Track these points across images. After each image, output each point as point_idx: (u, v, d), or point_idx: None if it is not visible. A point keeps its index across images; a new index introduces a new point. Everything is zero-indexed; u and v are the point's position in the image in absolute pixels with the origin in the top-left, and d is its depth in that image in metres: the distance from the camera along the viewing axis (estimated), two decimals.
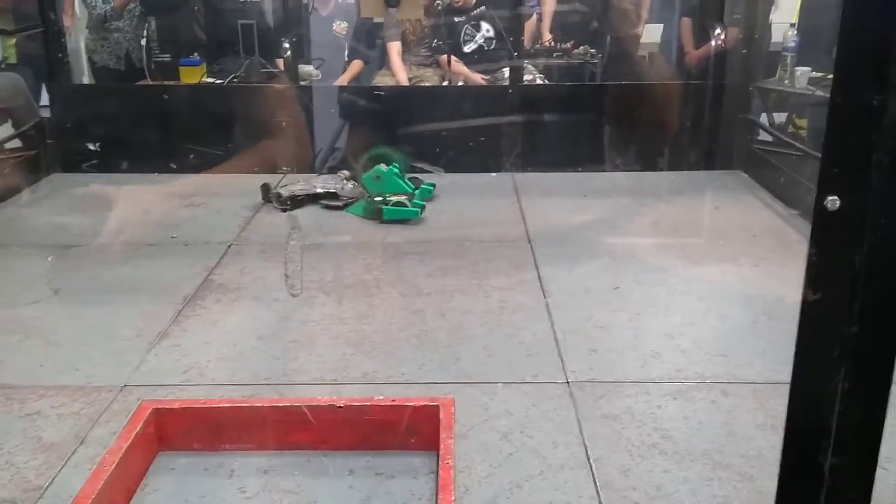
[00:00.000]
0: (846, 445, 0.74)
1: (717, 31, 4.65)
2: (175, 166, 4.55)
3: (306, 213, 3.88)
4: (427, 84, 5.00)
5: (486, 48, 5.04)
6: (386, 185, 3.78)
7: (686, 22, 5.27)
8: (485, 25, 5.02)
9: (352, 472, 1.95)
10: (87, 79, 5.38)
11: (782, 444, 0.76)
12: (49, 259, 3.28)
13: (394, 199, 3.73)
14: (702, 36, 5.05)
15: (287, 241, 2.83)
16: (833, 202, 0.67)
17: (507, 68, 4.79)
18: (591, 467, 1.94)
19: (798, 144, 4.16)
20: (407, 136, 4.54)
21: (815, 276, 0.70)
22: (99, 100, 4.78)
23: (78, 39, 5.50)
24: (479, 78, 5.01)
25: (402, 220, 3.70)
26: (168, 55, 5.00)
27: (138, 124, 4.59)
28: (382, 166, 3.82)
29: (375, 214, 3.73)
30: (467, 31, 5.03)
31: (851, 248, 0.69)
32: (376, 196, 3.76)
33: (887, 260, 0.69)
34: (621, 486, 1.88)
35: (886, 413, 0.74)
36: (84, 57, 5.36)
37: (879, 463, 2.01)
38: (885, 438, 2.10)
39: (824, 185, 0.67)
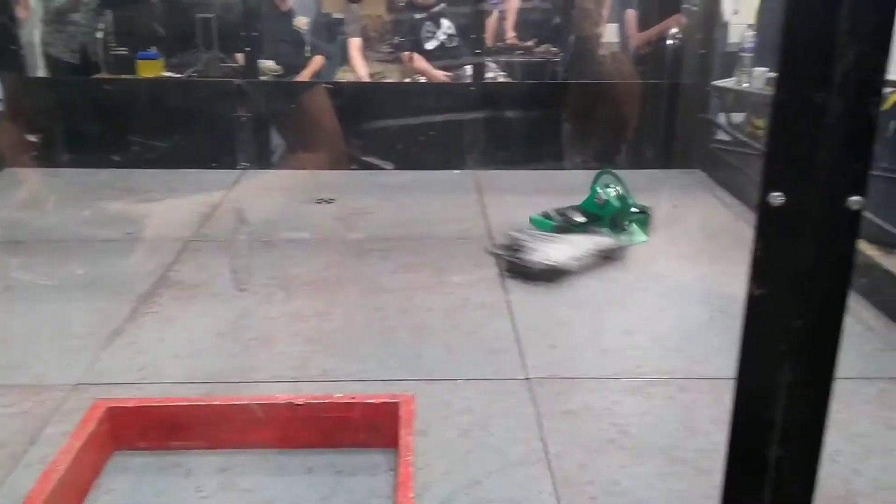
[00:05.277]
0: (791, 438, 0.75)
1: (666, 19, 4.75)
2: (131, 161, 4.48)
3: (267, 206, 3.85)
4: (389, 80, 4.99)
5: (447, 45, 5.04)
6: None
7: (630, 13, 5.36)
8: (445, 23, 5.02)
9: (310, 471, 1.93)
10: (41, 72, 5.26)
11: (728, 438, 0.77)
12: None
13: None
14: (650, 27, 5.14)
15: (234, 236, 2.79)
16: (777, 198, 0.69)
17: (470, 65, 4.79)
18: (549, 463, 1.95)
19: (755, 144, 4.24)
20: (368, 132, 4.53)
21: (760, 271, 0.71)
22: (52, 93, 4.69)
23: (32, 32, 5.39)
24: (441, 75, 5.00)
25: None
26: (125, 48, 4.91)
27: (93, 118, 4.51)
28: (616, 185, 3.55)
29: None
30: (428, 29, 5.02)
31: (795, 243, 0.70)
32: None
33: (830, 255, 0.71)
34: (579, 480, 1.89)
35: (830, 406, 0.76)
36: (39, 50, 5.24)
37: (830, 455, 2.06)
38: (835, 432, 2.14)
39: (768, 181, 0.68)
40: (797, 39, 0.65)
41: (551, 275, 3.03)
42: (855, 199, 0.69)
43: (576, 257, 3.10)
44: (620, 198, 3.46)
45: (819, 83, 0.66)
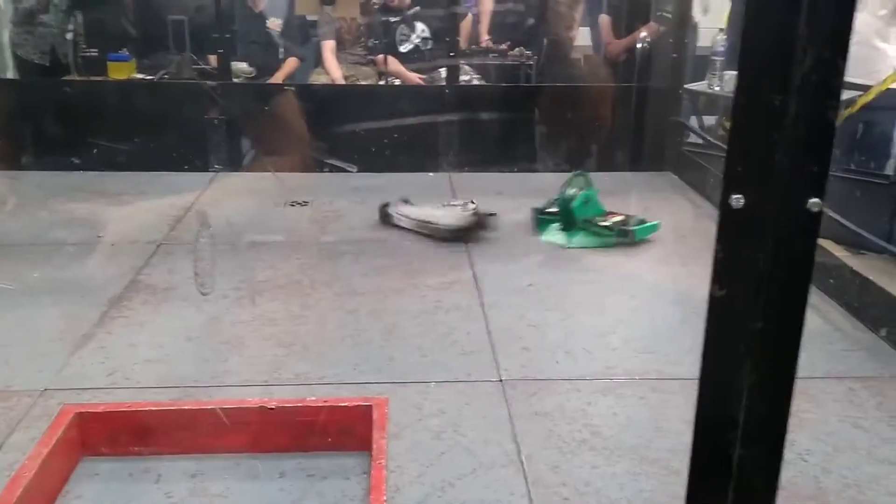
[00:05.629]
0: (753, 437, 0.76)
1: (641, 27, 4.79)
2: (102, 163, 4.44)
3: (240, 209, 3.83)
4: (363, 83, 4.98)
5: (421, 48, 5.05)
6: (592, 209, 3.58)
7: (604, 18, 5.39)
8: (420, 25, 5.02)
9: (283, 475, 1.92)
10: (10, 73, 5.20)
11: (692, 437, 0.78)
12: None
13: (611, 220, 3.54)
14: (625, 34, 5.18)
15: (196, 239, 2.78)
16: (737, 200, 0.70)
17: (444, 68, 4.80)
18: (522, 464, 1.96)
19: (726, 147, 4.27)
20: (342, 135, 4.52)
21: (721, 272, 0.72)
22: (21, 95, 4.64)
23: (1, 33, 5.32)
24: (415, 77, 5.00)
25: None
26: (96, 50, 4.86)
27: (63, 120, 4.46)
28: (590, 190, 3.60)
29: (624, 237, 3.47)
30: (402, 31, 5.02)
31: (755, 245, 0.71)
32: (592, 220, 3.52)
33: (790, 256, 0.72)
34: (551, 482, 1.90)
35: (791, 405, 0.77)
36: (8, 51, 5.17)
37: (800, 455, 2.08)
38: (804, 431, 2.16)
39: (729, 183, 0.69)
40: (757, 43, 0.66)
41: (384, 218, 3.67)
42: (814, 202, 0.70)
43: (411, 218, 3.62)
44: (565, 199, 3.55)
45: (778, 87, 0.66)
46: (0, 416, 2.11)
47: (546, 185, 4.34)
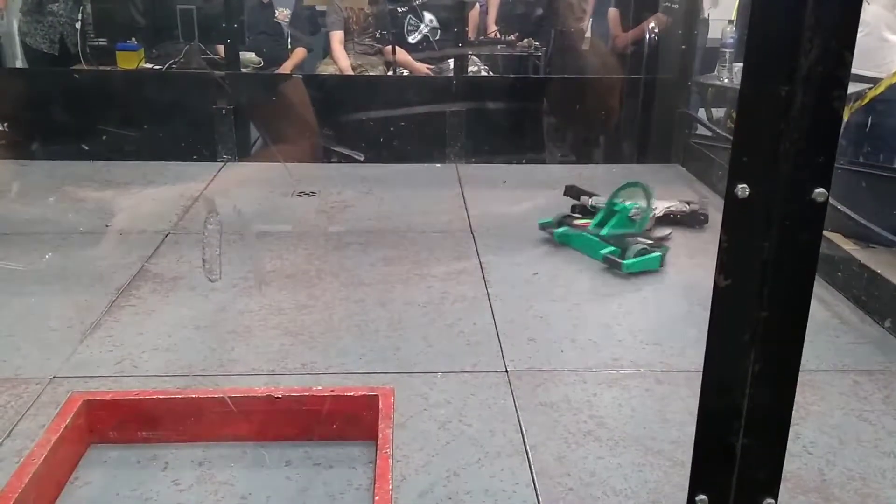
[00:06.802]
0: (756, 427, 0.76)
1: (648, 18, 4.78)
2: (110, 153, 4.44)
3: (248, 199, 3.83)
4: (371, 73, 4.99)
5: (430, 38, 5.04)
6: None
7: (613, 11, 5.40)
8: (428, 16, 5.02)
9: (289, 463, 1.93)
10: (19, 63, 5.22)
11: (696, 427, 0.78)
12: None
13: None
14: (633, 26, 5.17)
15: (205, 226, 2.79)
16: (743, 190, 0.70)
17: (452, 59, 4.80)
18: (527, 454, 1.97)
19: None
20: (349, 125, 4.52)
21: (727, 262, 0.72)
22: (30, 84, 4.65)
23: (11, 23, 5.34)
24: (423, 68, 5.00)
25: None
26: (104, 40, 4.88)
27: (71, 110, 4.47)
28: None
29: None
30: (411, 22, 5.02)
31: (761, 234, 0.71)
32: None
33: (795, 246, 0.72)
34: (556, 472, 1.90)
35: (795, 395, 0.77)
36: (17, 40, 5.20)
37: (805, 447, 2.08)
38: (810, 424, 2.16)
39: (734, 173, 0.69)
40: (764, 34, 0.66)
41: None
42: (819, 192, 0.70)
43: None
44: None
45: (785, 77, 0.66)
46: (9, 404, 2.13)
47: (553, 178, 4.34)
